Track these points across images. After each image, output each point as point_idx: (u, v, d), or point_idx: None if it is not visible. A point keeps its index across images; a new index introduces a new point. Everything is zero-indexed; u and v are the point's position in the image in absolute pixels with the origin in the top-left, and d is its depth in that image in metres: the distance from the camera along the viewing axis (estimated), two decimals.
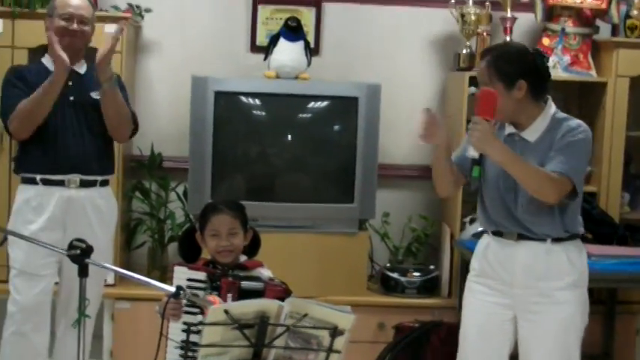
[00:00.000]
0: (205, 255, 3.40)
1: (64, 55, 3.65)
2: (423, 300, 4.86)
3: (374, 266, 5.15)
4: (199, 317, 3.00)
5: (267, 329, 2.78)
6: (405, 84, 5.21)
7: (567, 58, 4.87)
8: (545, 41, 4.99)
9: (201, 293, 3.09)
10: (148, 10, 4.98)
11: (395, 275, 4.91)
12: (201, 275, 3.19)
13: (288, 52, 4.82)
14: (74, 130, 3.81)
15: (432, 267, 4.99)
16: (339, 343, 2.78)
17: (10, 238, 3.56)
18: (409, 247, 5.17)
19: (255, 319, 2.76)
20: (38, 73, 3.80)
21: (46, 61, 3.87)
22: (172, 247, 4.92)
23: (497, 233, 3.36)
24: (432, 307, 4.82)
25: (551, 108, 3.29)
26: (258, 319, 2.77)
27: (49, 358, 4.00)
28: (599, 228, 4.63)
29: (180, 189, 5.06)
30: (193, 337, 3.01)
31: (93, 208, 3.86)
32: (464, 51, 4.99)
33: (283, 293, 3.09)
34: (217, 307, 2.78)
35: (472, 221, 4.82)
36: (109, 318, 4.73)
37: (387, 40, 5.22)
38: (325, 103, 4.90)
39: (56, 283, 3.92)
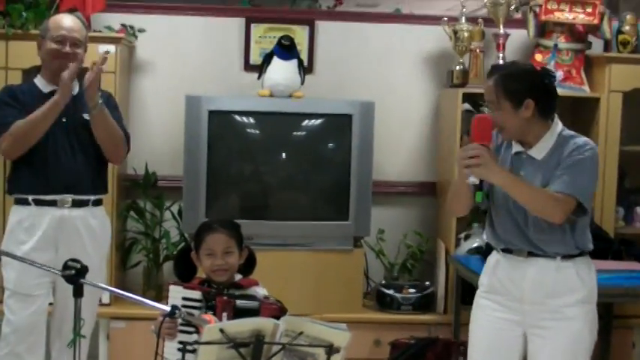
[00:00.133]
0: (201, 274, 3.40)
1: (71, 85, 3.67)
2: (419, 316, 4.86)
3: (369, 283, 5.14)
4: (195, 336, 3.00)
5: (263, 348, 2.78)
6: (399, 101, 5.22)
7: (560, 74, 4.88)
8: (538, 57, 5.01)
9: (196, 312, 3.08)
10: (141, 31, 5.00)
11: (390, 292, 4.91)
12: (197, 294, 3.18)
13: (281, 71, 4.84)
14: (66, 150, 3.80)
15: (427, 283, 4.99)
16: None
17: (4, 258, 3.55)
18: (404, 264, 5.17)
19: (250, 338, 2.76)
20: (30, 93, 3.80)
21: (38, 81, 3.86)
22: (167, 267, 4.92)
23: (506, 250, 3.34)
24: (428, 323, 4.82)
25: (558, 126, 3.28)
26: (254, 338, 2.76)
27: None
28: (594, 243, 4.62)
29: (174, 208, 5.06)
30: (189, 357, 2.98)
31: (85, 228, 3.84)
32: (457, 67, 5.01)
33: (278, 311, 3.09)
34: (213, 326, 2.78)
35: (467, 237, 4.83)
36: (105, 337, 4.72)
37: (381, 57, 5.23)
38: (319, 121, 4.90)
39: (50, 304, 3.91)
